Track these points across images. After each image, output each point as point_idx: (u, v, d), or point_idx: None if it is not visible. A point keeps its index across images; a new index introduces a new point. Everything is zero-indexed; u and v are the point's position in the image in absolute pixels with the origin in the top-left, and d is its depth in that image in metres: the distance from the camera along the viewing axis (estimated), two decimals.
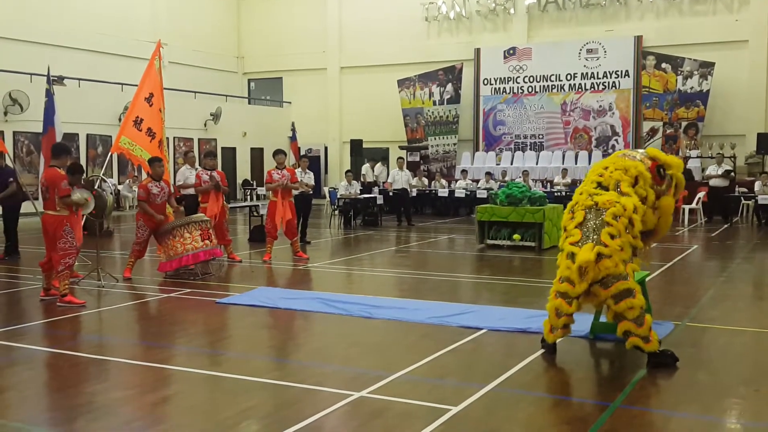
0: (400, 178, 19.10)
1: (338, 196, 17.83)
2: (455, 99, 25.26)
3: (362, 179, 20.60)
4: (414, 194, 20.93)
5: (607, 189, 5.91)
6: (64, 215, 8.05)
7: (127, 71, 22.03)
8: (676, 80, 22.26)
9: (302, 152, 24.24)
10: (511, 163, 23.69)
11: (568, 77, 23.90)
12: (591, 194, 5.88)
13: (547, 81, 24.22)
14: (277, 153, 11.96)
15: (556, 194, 18.81)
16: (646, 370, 5.50)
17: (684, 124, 22.29)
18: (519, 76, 24.53)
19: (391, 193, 19.14)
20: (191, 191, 11.80)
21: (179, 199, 11.71)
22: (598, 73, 23.51)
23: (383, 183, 20.70)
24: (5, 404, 4.97)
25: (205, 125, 26.01)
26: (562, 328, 5.83)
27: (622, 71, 23.20)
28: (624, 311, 5.51)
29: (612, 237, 5.58)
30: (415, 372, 5.51)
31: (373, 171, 21.39)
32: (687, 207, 17.97)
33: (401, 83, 25.88)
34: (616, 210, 5.66)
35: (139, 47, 23.50)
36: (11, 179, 11.81)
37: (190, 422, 4.58)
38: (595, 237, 5.64)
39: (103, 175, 12.22)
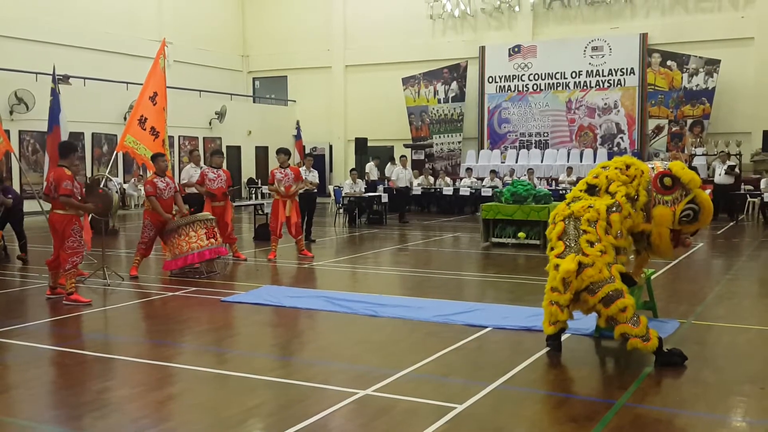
0: (403, 176, 19.09)
1: (343, 195, 17.84)
2: (460, 97, 25.23)
3: (366, 177, 20.60)
4: (419, 192, 20.96)
5: (596, 188, 5.90)
6: (72, 214, 8.07)
7: (132, 70, 22.05)
8: (682, 78, 22.18)
9: (307, 150, 24.28)
10: (516, 161, 23.66)
11: (573, 75, 23.85)
12: (568, 203, 5.94)
13: (552, 79, 24.17)
14: (279, 152, 11.97)
15: (561, 192, 18.76)
16: (652, 368, 5.50)
17: (689, 121, 22.21)
18: (524, 74, 24.47)
19: (395, 191, 19.15)
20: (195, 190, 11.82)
21: (183, 198, 11.73)
22: (603, 70, 23.44)
23: (388, 181, 20.72)
24: (12, 402, 5.00)
25: (209, 124, 26.03)
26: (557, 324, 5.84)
27: (627, 69, 23.11)
28: (616, 314, 5.49)
29: (591, 244, 5.60)
30: (420, 370, 5.52)
31: (379, 170, 21.39)
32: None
33: (406, 81, 25.85)
34: (590, 216, 5.68)
35: (144, 46, 23.53)
36: (9, 195, 11.52)
37: (196, 420, 4.60)
38: (575, 246, 5.67)
39: (108, 173, 12.22)
